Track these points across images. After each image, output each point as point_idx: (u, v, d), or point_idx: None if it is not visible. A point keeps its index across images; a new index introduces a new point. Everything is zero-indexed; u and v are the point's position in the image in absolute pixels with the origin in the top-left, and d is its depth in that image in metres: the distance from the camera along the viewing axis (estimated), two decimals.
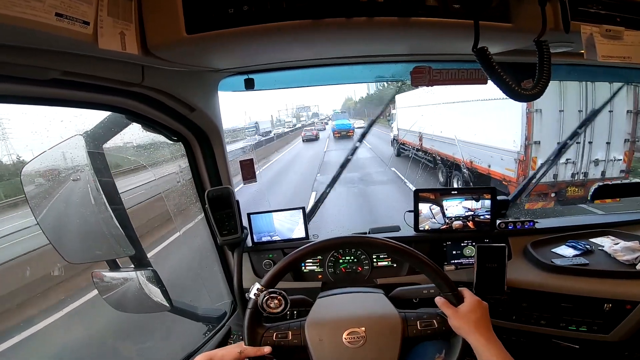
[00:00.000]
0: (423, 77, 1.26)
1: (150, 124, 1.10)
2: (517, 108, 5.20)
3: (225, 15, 0.66)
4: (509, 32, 0.77)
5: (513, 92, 0.78)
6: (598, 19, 0.81)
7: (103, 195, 1.16)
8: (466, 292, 0.93)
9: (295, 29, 0.69)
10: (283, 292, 0.95)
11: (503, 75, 0.76)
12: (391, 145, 14.05)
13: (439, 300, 0.93)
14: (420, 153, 9.95)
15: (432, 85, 1.28)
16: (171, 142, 1.25)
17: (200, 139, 1.28)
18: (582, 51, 0.82)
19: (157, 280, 1.27)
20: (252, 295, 0.94)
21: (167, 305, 1.29)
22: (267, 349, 0.91)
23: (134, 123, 1.08)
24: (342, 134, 21.82)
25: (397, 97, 11.97)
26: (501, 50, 0.95)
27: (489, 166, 6.13)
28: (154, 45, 0.69)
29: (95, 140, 1.10)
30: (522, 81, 1.14)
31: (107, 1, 0.60)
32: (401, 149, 12.49)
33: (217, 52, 0.85)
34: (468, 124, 6.75)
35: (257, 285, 0.94)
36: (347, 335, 0.91)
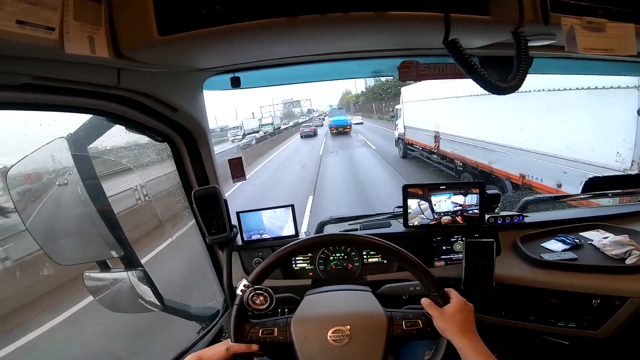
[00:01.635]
0: (410, 71, 1.25)
1: (132, 125, 1.09)
2: (623, 104, 3.43)
3: (198, 16, 0.66)
4: (487, 25, 0.76)
5: (488, 85, 0.77)
6: (579, 11, 0.79)
7: (89, 197, 1.17)
8: (452, 293, 0.93)
9: (270, 27, 0.69)
10: (269, 289, 0.96)
11: (476, 67, 0.75)
12: (395, 145, 12.59)
13: (424, 301, 0.93)
14: (435, 157, 8.54)
15: (420, 80, 1.27)
16: (156, 142, 1.24)
17: (185, 139, 1.28)
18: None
19: (147, 280, 1.27)
20: (239, 292, 0.95)
21: (159, 304, 1.30)
22: (254, 347, 0.92)
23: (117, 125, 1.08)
24: (339, 130, 22.24)
25: (404, 89, 10.81)
26: (482, 45, 0.94)
27: (559, 186, 4.42)
28: (127, 48, 0.69)
29: (79, 142, 1.10)
30: (507, 75, 1.14)
31: (72, 6, 0.59)
32: (408, 150, 11.00)
33: (194, 52, 0.84)
34: (521, 123, 5.12)
35: (244, 282, 0.95)
36: (332, 333, 0.91)
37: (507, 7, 0.73)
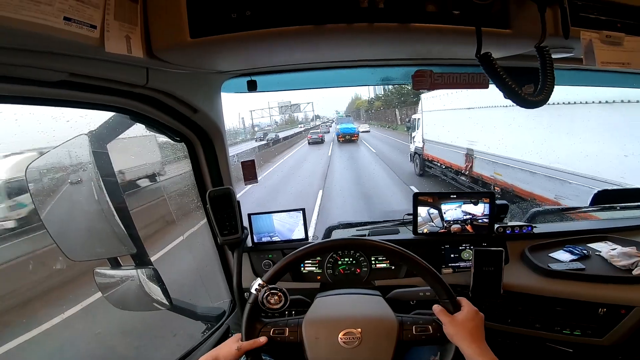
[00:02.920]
0: (425, 80, 1.27)
1: (153, 125, 1.12)
2: None
3: (228, 20, 0.68)
4: (509, 38, 0.78)
5: (519, 98, 0.78)
6: (598, 25, 0.81)
7: (106, 194, 1.18)
8: (464, 302, 0.94)
9: (298, 34, 0.71)
10: (284, 289, 0.97)
11: (508, 80, 0.76)
12: (410, 161, 10.90)
13: (436, 308, 0.95)
14: (464, 179, 7.16)
15: (433, 89, 1.29)
16: (174, 142, 1.26)
17: (202, 139, 1.30)
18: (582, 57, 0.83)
19: (157, 279, 1.28)
20: (253, 291, 0.96)
21: (167, 303, 1.30)
22: (262, 339, 0.94)
23: (137, 123, 1.10)
24: (347, 138, 21.97)
25: (424, 96, 9.31)
26: (501, 56, 0.96)
27: None
28: (159, 48, 0.71)
29: (100, 139, 1.12)
30: (523, 86, 1.15)
31: (114, 5, 0.61)
32: (427, 166, 9.51)
33: (220, 55, 0.87)
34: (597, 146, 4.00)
35: (259, 281, 0.97)
36: (343, 335, 0.92)
37: (529, 21, 0.75)
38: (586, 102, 4.18)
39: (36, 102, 0.74)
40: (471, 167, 6.78)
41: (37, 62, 0.62)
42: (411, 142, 10.69)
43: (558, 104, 4.42)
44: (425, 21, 0.71)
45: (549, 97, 0.80)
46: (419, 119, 9.96)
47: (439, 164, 8.62)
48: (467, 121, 6.90)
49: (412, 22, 0.71)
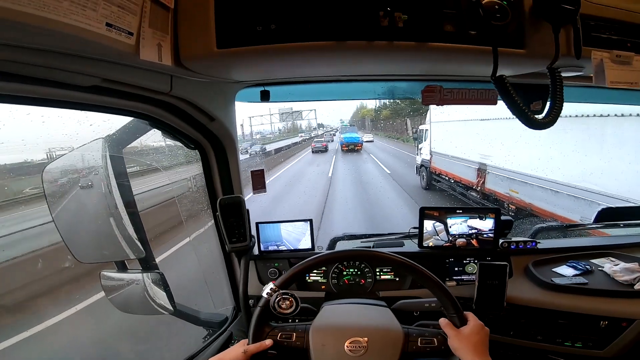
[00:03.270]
0: (434, 96, 1.29)
1: (170, 131, 1.13)
2: None
3: (253, 33, 0.70)
4: (523, 58, 0.81)
5: (527, 120, 0.81)
6: (609, 44, 0.84)
7: (119, 198, 1.20)
8: (470, 316, 0.96)
9: (319, 49, 0.74)
10: (295, 294, 0.99)
11: (519, 102, 0.79)
12: (416, 173, 10.43)
13: (442, 321, 0.96)
14: (474, 194, 6.82)
15: (442, 105, 1.32)
16: (188, 149, 1.28)
17: (216, 147, 1.32)
18: (591, 75, 0.85)
19: (163, 283, 1.29)
20: (264, 294, 0.97)
21: (171, 308, 1.31)
22: (268, 342, 0.95)
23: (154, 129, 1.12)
24: (350, 147, 22.01)
25: (434, 106, 8.37)
26: (512, 74, 0.99)
27: None
28: (186, 57, 0.73)
29: (116, 144, 1.14)
30: (530, 102, 1.19)
31: (149, 12, 0.63)
32: (434, 180, 9.11)
33: (242, 66, 0.89)
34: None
35: (271, 285, 0.98)
36: (350, 343, 0.93)
37: (543, 42, 0.78)
38: (622, 115, 3.76)
39: (67, 106, 0.76)
40: (483, 182, 6.44)
41: (73, 67, 0.64)
42: (417, 154, 10.26)
43: (587, 116, 4.10)
44: (442, 40, 0.75)
45: (557, 119, 0.83)
46: (426, 129, 9.49)
47: (447, 178, 8.23)
48: (480, 134, 6.47)
49: (430, 42, 0.74)
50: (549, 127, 0.83)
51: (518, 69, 0.93)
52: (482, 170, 6.46)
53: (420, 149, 9.90)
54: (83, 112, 0.82)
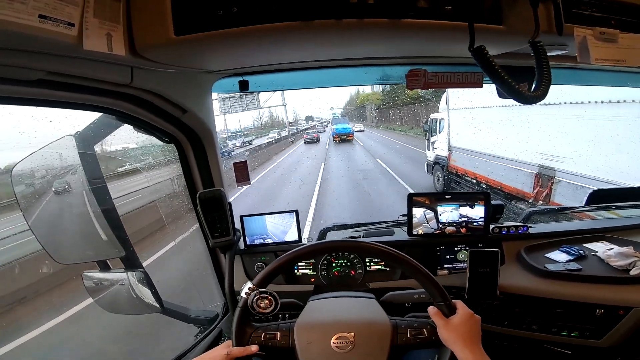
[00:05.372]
0: (418, 80, 1.26)
1: (141, 125, 1.09)
2: None
3: (214, 17, 0.66)
4: (502, 35, 0.77)
5: (516, 93, 0.76)
6: (592, 22, 0.80)
7: (94, 196, 1.16)
8: (459, 304, 0.92)
9: (285, 30, 0.69)
10: (274, 293, 0.96)
11: (504, 75, 0.74)
12: (427, 172, 8.68)
13: (431, 309, 0.93)
14: (522, 206, 4.89)
15: (427, 89, 1.28)
16: (163, 143, 1.24)
17: (192, 140, 1.27)
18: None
19: (147, 282, 1.26)
20: (243, 295, 0.94)
21: (158, 306, 1.28)
22: (254, 348, 0.91)
23: (125, 124, 1.08)
24: (342, 138, 22.36)
25: (451, 90, 6.69)
26: (495, 54, 0.95)
27: None
28: (142, 46, 0.69)
29: (86, 141, 1.10)
30: (518, 84, 1.14)
31: (93, 3, 0.60)
32: (453, 182, 7.34)
33: (207, 53, 0.85)
34: None
35: (249, 285, 0.94)
36: (336, 339, 0.90)
37: (521, 18, 0.74)
38: None
39: (14, 102, 0.72)
40: (548, 195, 4.67)
41: (13, 61, 0.60)
42: (429, 149, 8.53)
43: None
44: (416, 17, 0.70)
45: (547, 91, 0.79)
46: (442, 119, 7.79)
47: (474, 180, 6.46)
48: (535, 123, 4.81)
49: (403, 18, 0.69)
50: (539, 100, 0.79)
51: (499, 47, 0.88)
52: (545, 177, 4.82)
53: (433, 142, 8.25)
54: (38, 108, 0.78)
